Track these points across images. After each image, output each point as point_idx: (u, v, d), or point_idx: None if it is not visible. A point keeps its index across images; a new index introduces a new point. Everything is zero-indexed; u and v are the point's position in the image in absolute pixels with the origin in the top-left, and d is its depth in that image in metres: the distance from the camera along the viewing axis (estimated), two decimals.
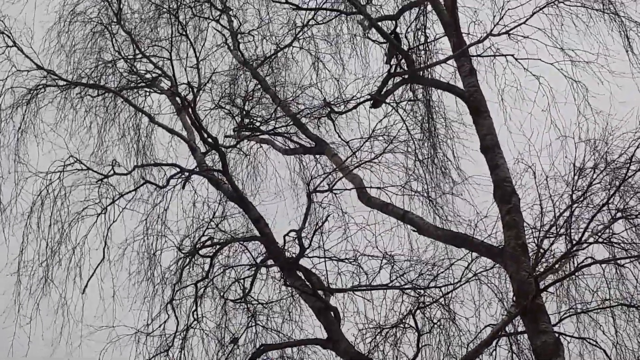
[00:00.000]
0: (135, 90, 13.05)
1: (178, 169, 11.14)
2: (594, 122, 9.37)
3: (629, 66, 10.48)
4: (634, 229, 9.24)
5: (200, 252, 11.05)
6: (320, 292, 10.21)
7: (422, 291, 10.14)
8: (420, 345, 8.94)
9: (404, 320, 10.24)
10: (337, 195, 11.15)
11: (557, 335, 8.53)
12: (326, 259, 10.51)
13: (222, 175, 10.88)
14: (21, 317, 10.67)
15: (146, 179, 11.49)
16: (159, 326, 10.83)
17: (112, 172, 11.11)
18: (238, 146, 12.77)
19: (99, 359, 10.31)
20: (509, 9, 10.16)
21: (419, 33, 12.20)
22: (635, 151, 8.75)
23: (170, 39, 12.06)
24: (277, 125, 12.44)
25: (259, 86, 12.55)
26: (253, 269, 10.80)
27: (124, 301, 10.82)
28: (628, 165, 8.84)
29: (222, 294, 11.07)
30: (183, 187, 11.15)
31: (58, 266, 10.94)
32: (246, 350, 10.87)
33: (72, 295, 10.87)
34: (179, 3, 12.17)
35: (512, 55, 10.73)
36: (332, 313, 10.06)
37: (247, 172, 13.25)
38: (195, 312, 10.94)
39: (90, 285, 10.79)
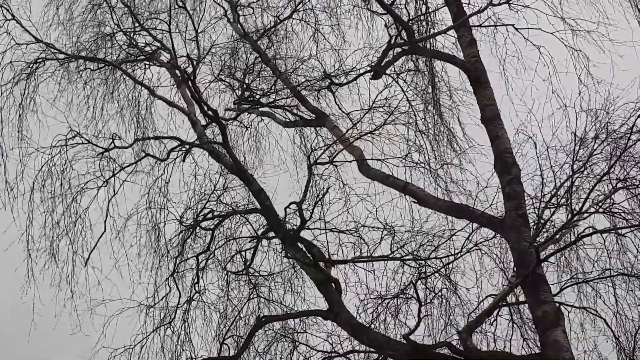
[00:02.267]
0: (135, 63, 13.01)
1: (178, 142, 11.13)
2: (595, 92, 9.32)
3: (630, 34, 10.45)
4: (634, 198, 9.25)
5: (201, 224, 11.08)
6: (321, 263, 10.21)
7: (423, 262, 10.16)
8: (421, 316, 8.93)
9: (405, 291, 10.29)
10: (337, 167, 11.15)
11: (557, 305, 8.54)
12: (327, 231, 10.51)
13: (222, 147, 10.86)
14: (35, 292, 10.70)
15: (147, 152, 11.47)
16: (161, 299, 10.89)
17: (112, 145, 11.08)
18: (238, 119, 12.76)
19: (102, 332, 10.36)
20: None
21: (420, 3, 12.14)
22: (636, 121, 8.72)
23: (169, 11, 12.02)
24: (277, 98, 12.43)
25: (259, 59, 12.51)
26: (254, 241, 10.83)
27: (127, 274, 10.84)
28: (629, 135, 8.81)
29: (223, 266, 11.12)
30: (183, 160, 11.16)
31: (62, 239, 10.96)
32: (248, 322, 10.93)
33: (75, 268, 10.91)
34: None
35: (513, 25, 10.71)
36: (333, 284, 10.07)
37: (248, 144, 13.26)
38: (197, 285, 10.99)
39: (93, 259, 10.83)
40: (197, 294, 10.98)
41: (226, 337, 10.53)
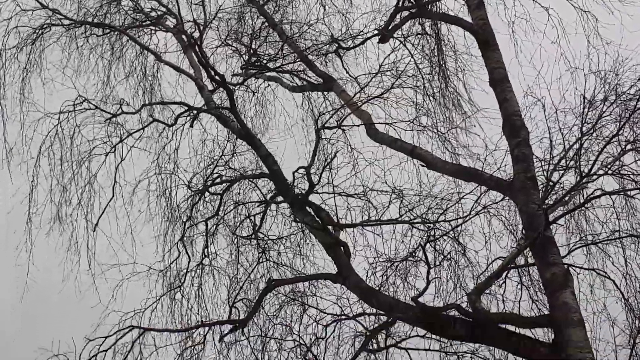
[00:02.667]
0: (141, 28, 12.97)
1: (186, 107, 11.12)
2: (605, 54, 9.29)
3: None
4: None
5: (210, 189, 11.10)
6: (329, 227, 10.24)
7: (431, 225, 10.16)
8: (430, 278, 8.94)
9: (413, 254, 10.31)
10: (345, 131, 11.14)
11: (566, 266, 8.56)
12: (335, 195, 10.52)
13: (230, 113, 10.86)
14: (33, 255, 10.73)
15: (154, 117, 11.47)
16: (171, 263, 10.95)
17: (120, 111, 11.08)
18: (245, 84, 12.73)
19: (112, 296, 10.42)
20: None
21: None
22: None
23: None
24: (284, 63, 12.38)
25: (266, 23, 12.46)
26: (263, 205, 10.86)
27: (136, 239, 10.89)
28: (638, 96, 8.80)
29: (232, 230, 11.16)
30: (191, 126, 11.15)
31: (69, 204, 10.99)
32: (257, 286, 10.98)
33: (84, 234, 10.95)
34: None
35: None
36: (342, 248, 10.11)
37: (255, 109, 13.26)
38: (206, 249, 11.04)
39: (102, 224, 10.86)
40: (207, 259, 11.03)
41: (236, 300, 10.61)
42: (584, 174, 8.72)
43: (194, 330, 10.69)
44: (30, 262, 10.55)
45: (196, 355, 10.61)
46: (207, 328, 10.62)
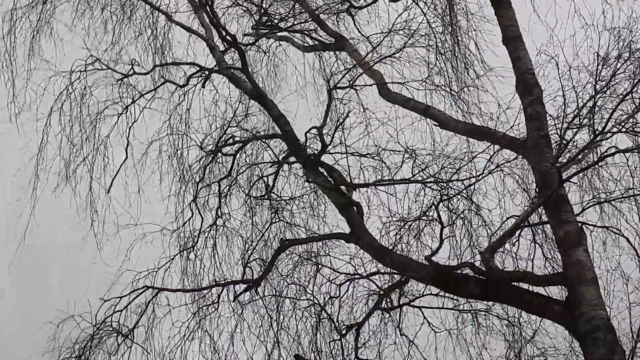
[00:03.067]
0: None
1: (197, 68, 11.08)
2: (619, 10, 9.19)
3: None
4: None
5: (222, 150, 11.10)
6: (342, 187, 10.24)
7: (444, 184, 10.14)
8: (443, 237, 8.96)
9: (427, 213, 10.32)
10: (357, 91, 11.09)
11: (580, 224, 8.56)
12: (348, 155, 10.49)
13: (241, 73, 10.81)
14: (43, 215, 10.76)
15: (166, 78, 11.44)
16: (184, 223, 10.98)
17: (131, 71, 11.05)
18: (257, 44, 12.67)
19: (126, 256, 10.47)
20: None
21: None
22: None
23: None
24: (295, 22, 12.32)
25: None
26: (275, 166, 10.86)
27: (149, 199, 10.91)
28: None
29: (245, 191, 11.17)
30: (203, 86, 11.13)
31: (82, 165, 11.02)
32: (271, 246, 11.02)
33: (97, 194, 10.98)
34: None
35: None
36: (355, 208, 10.10)
37: (267, 70, 13.19)
38: (219, 210, 11.06)
39: (115, 184, 10.89)
40: (220, 219, 11.06)
41: (250, 260, 10.63)
42: (597, 132, 8.67)
43: (207, 290, 10.76)
44: (34, 221, 10.59)
45: (210, 315, 10.71)
46: (221, 288, 10.69)
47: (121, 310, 10.20)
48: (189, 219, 11.08)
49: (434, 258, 8.87)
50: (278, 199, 11.12)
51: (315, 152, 10.39)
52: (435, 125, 10.31)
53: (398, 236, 10.52)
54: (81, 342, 9.91)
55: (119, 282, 10.29)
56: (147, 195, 11.03)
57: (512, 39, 9.76)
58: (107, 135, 11.09)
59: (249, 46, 12.34)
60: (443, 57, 11.63)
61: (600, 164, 9.44)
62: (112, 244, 10.77)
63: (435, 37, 11.61)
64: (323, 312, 10.68)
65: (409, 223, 10.55)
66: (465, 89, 11.54)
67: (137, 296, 10.29)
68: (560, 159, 8.88)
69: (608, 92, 9.11)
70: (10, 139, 11.23)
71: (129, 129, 11.05)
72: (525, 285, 8.55)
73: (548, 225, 9.24)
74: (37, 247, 10.76)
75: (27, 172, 10.90)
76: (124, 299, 10.24)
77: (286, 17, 12.34)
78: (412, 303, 10.50)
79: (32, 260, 10.95)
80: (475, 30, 11.88)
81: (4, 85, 11.27)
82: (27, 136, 10.93)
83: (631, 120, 8.96)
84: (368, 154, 10.72)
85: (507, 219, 9.87)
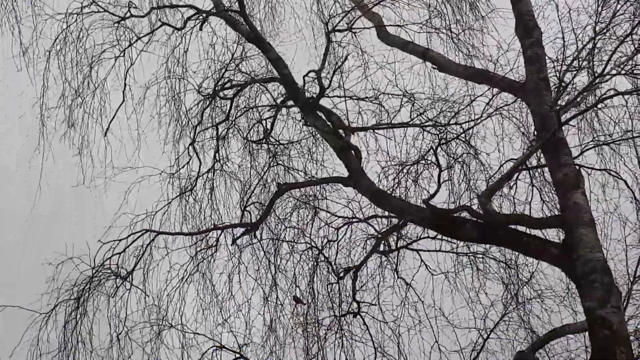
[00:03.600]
0: None
1: (195, 10, 10.96)
2: None
3: None
4: None
5: (220, 93, 11.04)
6: (341, 131, 10.21)
7: (443, 128, 10.11)
8: (441, 181, 8.94)
9: (425, 157, 10.32)
10: (356, 34, 11.02)
11: (578, 167, 8.54)
12: (346, 98, 10.46)
13: (239, 15, 10.71)
14: (46, 159, 10.76)
15: (163, 21, 11.33)
16: (182, 167, 10.96)
17: (128, 14, 10.94)
18: None
19: (125, 199, 10.48)
20: None
21: None
22: None
23: None
24: None
25: None
26: (273, 109, 10.81)
27: (147, 143, 10.88)
28: None
29: (243, 135, 11.14)
30: (200, 29, 11.02)
31: (80, 108, 10.97)
32: (269, 190, 11.02)
33: (94, 138, 10.95)
34: None
35: None
36: (353, 152, 10.07)
37: (265, 12, 13.02)
38: (217, 154, 11.05)
39: (113, 128, 10.86)
40: (218, 163, 11.05)
41: (248, 204, 10.64)
42: (596, 74, 8.61)
43: (206, 234, 10.80)
44: (43, 166, 10.58)
45: (208, 258, 10.75)
46: (219, 231, 10.71)
47: (120, 253, 10.23)
48: (187, 163, 11.06)
49: (431, 201, 8.87)
50: (276, 142, 11.10)
51: (314, 95, 10.33)
52: (434, 68, 10.25)
53: (396, 180, 10.54)
54: (80, 284, 9.98)
55: (117, 225, 10.30)
56: (145, 139, 11.02)
57: None
58: (104, 79, 11.03)
59: None
60: None
61: (599, 106, 9.41)
62: (110, 188, 10.78)
63: None
64: (321, 255, 10.73)
65: (407, 167, 10.56)
66: (466, 31, 11.41)
67: (136, 239, 10.32)
68: (559, 102, 8.83)
69: (608, 34, 9.03)
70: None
71: (127, 73, 10.99)
72: (522, 228, 8.55)
73: (546, 169, 9.23)
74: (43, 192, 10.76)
75: (31, 117, 10.88)
76: (123, 241, 10.27)
77: None
78: (409, 246, 10.55)
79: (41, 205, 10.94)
80: None
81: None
82: (30, 81, 10.88)
83: (631, 62, 8.91)
84: (366, 97, 10.67)
85: (505, 162, 9.87)
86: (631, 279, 8.58)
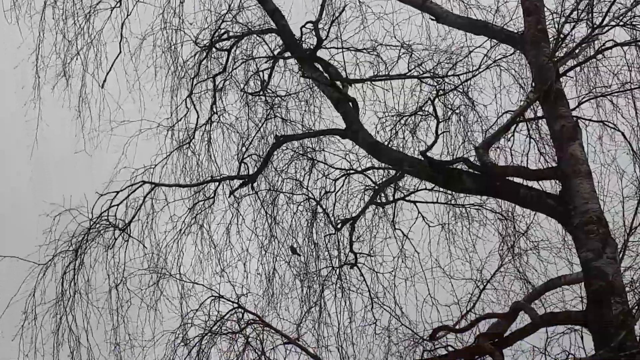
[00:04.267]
0: None
1: None
2: None
3: None
4: None
5: (217, 45, 10.98)
6: (338, 82, 10.17)
7: (440, 79, 10.11)
8: (439, 132, 8.92)
9: (423, 108, 10.31)
10: None
11: (575, 119, 8.54)
12: (344, 50, 10.44)
13: None
14: (42, 112, 10.72)
15: None
16: (180, 119, 10.94)
17: None
18: None
19: (123, 152, 10.47)
20: None
21: None
22: None
23: None
24: None
25: None
26: (271, 61, 10.76)
27: (144, 95, 10.85)
28: None
29: (240, 86, 11.11)
30: None
31: (76, 60, 10.91)
32: (266, 142, 11.02)
33: (92, 89, 10.92)
34: None
35: None
36: (350, 103, 10.04)
37: None
38: (214, 106, 11.02)
39: (110, 80, 10.82)
40: (216, 115, 11.02)
41: (245, 156, 10.65)
42: (595, 26, 8.57)
43: (204, 185, 10.81)
44: (40, 118, 10.56)
45: (206, 210, 10.78)
46: (217, 183, 10.74)
47: (118, 205, 10.25)
48: (185, 115, 11.03)
49: (429, 153, 8.87)
50: (273, 94, 11.08)
51: (311, 47, 10.28)
52: (432, 19, 10.16)
53: (393, 131, 10.55)
54: (78, 236, 10.01)
55: (116, 179, 10.31)
56: (141, 91, 10.97)
57: None
58: (100, 30, 10.97)
59: None
60: None
61: (597, 58, 9.37)
62: (107, 141, 10.76)
63: None
64: (318, 206, 10.77)
65: (405, 118, 10.55)
66: None
67: (134, 191, 10.34)
68: (557, 54, 8.79)
69: None
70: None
71: (123, 24, 10.92)
72: (519, 180, 8.57)
73: (544, 120, 9.23)
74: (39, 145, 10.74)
75: (26, 69, 10.82)
76: (121, 193, 10.28)
77: None
78: (406, 198, 10.58)
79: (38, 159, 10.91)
80: None
81: None
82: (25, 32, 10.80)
83: (629, 13, 8.86)
84: (364, 49, 10.65)
85: (503, 114, 9.86)
86: (627, 230, 8.58)
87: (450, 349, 9.12)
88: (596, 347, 7.29)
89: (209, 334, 9.52)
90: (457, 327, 9.61)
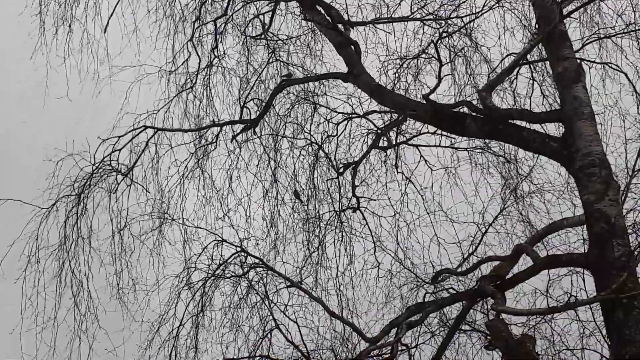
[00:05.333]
0: None
1: None
2: None
3: None
4: None
5: None
6: (340, 25, 10.08)
7: (443, 21, 9.97)
8: (442, 75, 8.85)
9: (426, 51, 10.22)
10: None
11: (579, 60, 8.46)
12: None
13: None
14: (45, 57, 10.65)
15: None
16: (181, 64, 10.86)
17: None
18: None
19: (125, 98, 10.42)
20: None
21: None
22: None
23: None
24: None
25: None
26: (272, 4, 10.65)
27: (145, 41, 10.77)
28: None
29: (242, 30, 11.02)
30: None
31: (77, 5, 10.83)
32: (268, 86, 10.97)
33: (94, 33, 10.84)
34: None
35: None
36: (352, 47, 9.96)
37: None
38: (216, 50, 10.94)
39: (112, 25, 10.73)
40: (217, 59, 10.95)
41: (247, 100, 10.59)
42: None
43: (206, 130, 10.78)
44: (48, 64, 10.50)
45: (208, 155, 10.76)
46: (219, 128, 10.70)
47: (120, 150, 10.24)
48: (186, 60, 10.96)
49: (432, 96, 8.82)
50: (275, 38, 10.99)
51: None
52: None
53: (396, 75, 10.49)
54: (80, 181, 10.00)
55: (119, 124, 10.29)
56: (142, 36, 10.89)
57: None
58: None
59: None
60: None
61: None
62: (109, 86, 10.71)
63: None
64: (320, 150, 10.75)
65: (408, 61, 10.48)
66: None
67: (136, 136, 10.32)
68: None
69: None
70: None
71: None
72: (522, 123, 8.53)
73: (547, 62, 9.15)
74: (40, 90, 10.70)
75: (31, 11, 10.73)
76: (123, 138, 10.26)
77: None
78: (409, 141, 10.56)
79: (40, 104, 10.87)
80: None
81: None
82: None
83: None
84: None
85: (506, 56, 9.77)
86: (630, 172, 8.56)
87: (452, 291, 9.20)
88: (598, 289, 7.31)
89: (213, 277, 9.58)
90: (459, 270, 9.68)
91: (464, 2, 9.96)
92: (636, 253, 7.35)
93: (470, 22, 10.02)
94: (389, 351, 8.39)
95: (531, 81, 9.96)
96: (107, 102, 10.67)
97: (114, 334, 9.52)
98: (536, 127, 8.64)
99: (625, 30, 9.44)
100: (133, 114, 10.40)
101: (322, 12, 10.12)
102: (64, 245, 9.93)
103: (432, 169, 10.62)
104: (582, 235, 8.93)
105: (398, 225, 10.64)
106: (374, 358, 8.59)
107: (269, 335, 9.54)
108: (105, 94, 10.59)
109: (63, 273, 9.85)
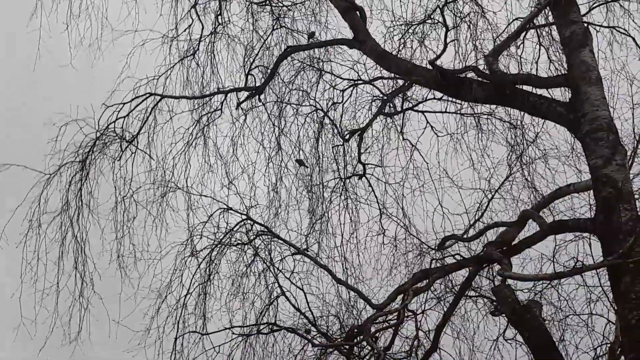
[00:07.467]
0: None
1: None
2: None
3: None
4: None
5: None
6: None
7: None
8: (448, 41, 8.79)
9: (431, 17, 10.13)
10: None
11: (586, 24, 8.40)
12: None
13: None
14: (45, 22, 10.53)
15: None
16: (184, 30, 10.76)
17: None
18: None
19: (126, 62, 10.32)
20: None
21: None
22: None
23: None
24: None
25: None
26: None
27: (149, 6, 10.67)
28: None
29: None
30: None
31: None
32: (272, 53, 10.89)
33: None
34: None
35: None
36: (357, 12, 9.90)
37: None
38: (220, 16, 10.86)
39: None
40: (221, 26, 10.87)
41: (252, 68, 10.54)
42: None
43: (210, 97, 10.72)
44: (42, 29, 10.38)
45: (213, 122, 10.71)
46: (223, 95, 10.64)
47: (124, 117, 10.18)
48: (190, 26, 10.86)
49: (438, 62, 8.76)
50: (279, 4, 10.90)
51: None
52: None
53: (402, 41, 10.38)
54: (84, 147, 9.94)
55: (120, 88, 10.19)
56: (146, 2, 10.78)
57: None
58: None
59: None
60: None
61: None
62: (111, 52, 10.61)
63: None
64: (326, 117, 10.69)
65: (413, 27, 10.38)
66: None
67: (140, 103, 10.24)
68: None
69: None
70: None
71: None
72: (529, 88, 8.47)
73: (554, 27, 9.07)
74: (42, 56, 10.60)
75: None
76: (127, 105, 10.18)
77: None
78: (415, 107, 10.50)
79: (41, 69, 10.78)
80: None
81: None
82: None
83: None
84: None
85: (513, 20, 9.64)
86: (637, 137, 8.52)
87: (458, 257, 9.18)
88: (604, 254, 7.29)
89: (219, 245, 9.57)
90: (465, 236, 9.67)
91: None
92: None
93: None
94: (395, 317, 8.42)
95: (538, 46, 9.86)
96: (109, 66, 10.58)
97: (122, 302, 9.49)
98: (543, 92, 8.57)
99: None
100: (133, 79, 10.31)
101: None
102: (66, 212, 9.87)
103: (438, 136, 10.56)
104: (589, 200, 8.90)
105: (403, 194, 10.61)
106: (381, 324, 8.61)
107: (275, 303, 9.57)
108: (108, 59, 10.50)
109: (66, 239, 9.81)
